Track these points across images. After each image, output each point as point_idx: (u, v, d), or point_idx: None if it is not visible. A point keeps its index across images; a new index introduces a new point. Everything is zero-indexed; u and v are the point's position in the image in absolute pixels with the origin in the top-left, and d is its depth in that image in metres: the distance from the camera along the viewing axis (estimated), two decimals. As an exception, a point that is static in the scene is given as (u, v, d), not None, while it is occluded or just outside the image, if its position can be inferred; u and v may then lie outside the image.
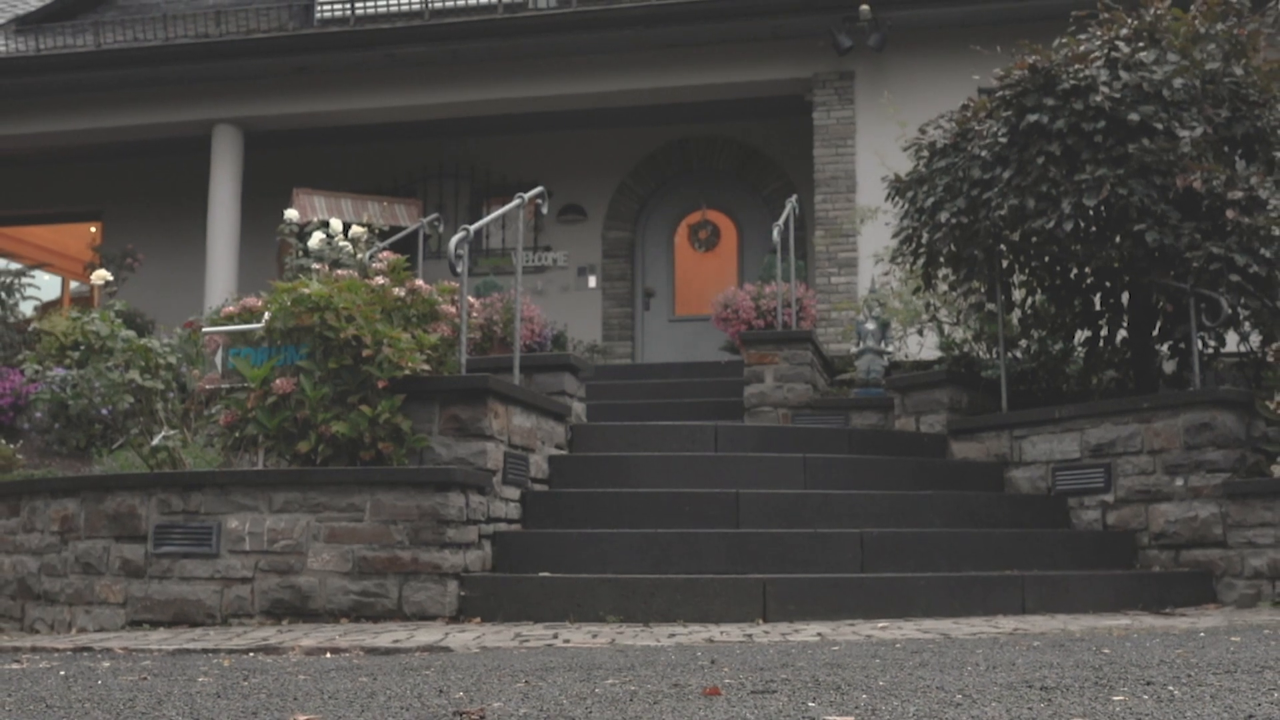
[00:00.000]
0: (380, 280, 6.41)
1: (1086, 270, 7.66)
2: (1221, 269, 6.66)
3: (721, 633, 5.00)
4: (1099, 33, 7.25)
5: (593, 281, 13.89)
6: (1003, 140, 7.07)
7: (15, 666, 4.39)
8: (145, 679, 3.83)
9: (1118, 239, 7.07)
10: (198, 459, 6.86)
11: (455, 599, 5.63)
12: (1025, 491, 7.32)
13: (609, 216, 14.02)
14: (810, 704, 2.97)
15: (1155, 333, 7.62)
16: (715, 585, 5.58)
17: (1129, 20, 7.27)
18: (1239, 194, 6.62)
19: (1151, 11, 7.24)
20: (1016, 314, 8.21)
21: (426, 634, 5.04)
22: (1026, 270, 7.88)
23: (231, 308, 6.73)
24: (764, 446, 7.55)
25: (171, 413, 7.64)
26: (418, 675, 3.77)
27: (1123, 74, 6.84)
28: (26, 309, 12.02)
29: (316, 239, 9.09)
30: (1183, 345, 7.35)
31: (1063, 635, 4.84)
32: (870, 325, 9.21)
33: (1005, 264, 7.79)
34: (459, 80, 12.58)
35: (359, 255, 8.86)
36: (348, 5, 12.95)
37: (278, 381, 5.97)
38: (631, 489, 6.65)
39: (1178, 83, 6.85)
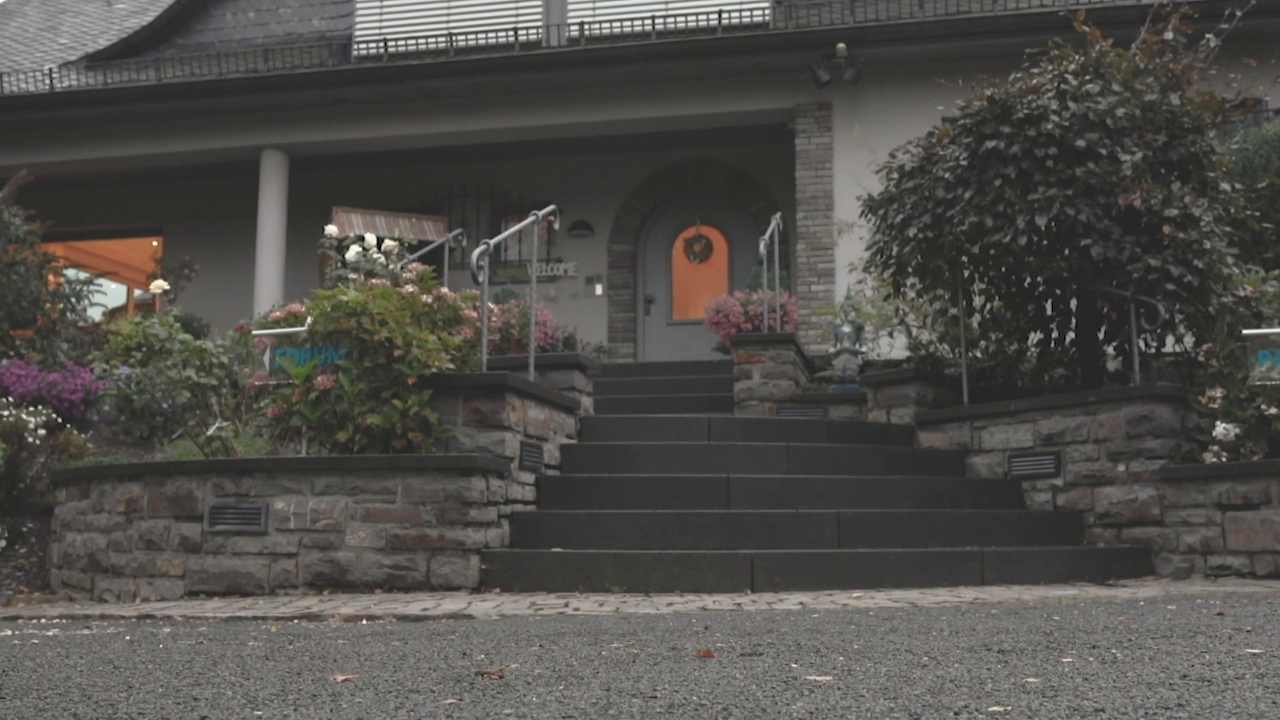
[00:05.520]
0: (410, 288, 6.41)
1: (1039, 280, 7.65)
2: (1159, 279, 6.66)
3: (714, 602, 5.00)
4: (1050, 68, 7.25)
5: (599, 289, 13.88)
6: (964, 164, 7.07)
7: (86, 632, 4.40)
8: (201, 643, 3.83)
9: (1066, 252, 7.07)
10: (248, 447, 6.86)
11: (477, 572, 5.64)
12: (984, 476, 7.32)
13: (614, 231, 14.01)
14: (793, 665, 2.97)
15: (1100, 335, 7.62)
16: (709, 559, 5.59)
17: (1077, 56, 7.27)
18: (1174, 212, 6.62)
19: (1097, 49, 7.25)
20: (976, 318, 8.21)
21: (452, 603, 5.05)
22: (985, 279, 7.88)
23: (278, 313, 6.73)
24: (752, 436, 7.56)
25: (224, 406, 7.65)
26: (444, 640, 3.77)
27: (1071, 104, 6.84)
28: (95, 314, 12.01)
29: (353, 252, 9.10)
30: (1125, 346, 7.36)
31: (1018, 604, 4.84)
32: (846, 328, 9.21)
33: (966, 274, 7.79)
34: (480, 110, 12.59)
35: (391, 266, 8.87)
36: (381, 43, 12.97)
37: (319, 378, 5.98)
38: (634, 474, 6.65)
39: (1120, 112, 6.85)
